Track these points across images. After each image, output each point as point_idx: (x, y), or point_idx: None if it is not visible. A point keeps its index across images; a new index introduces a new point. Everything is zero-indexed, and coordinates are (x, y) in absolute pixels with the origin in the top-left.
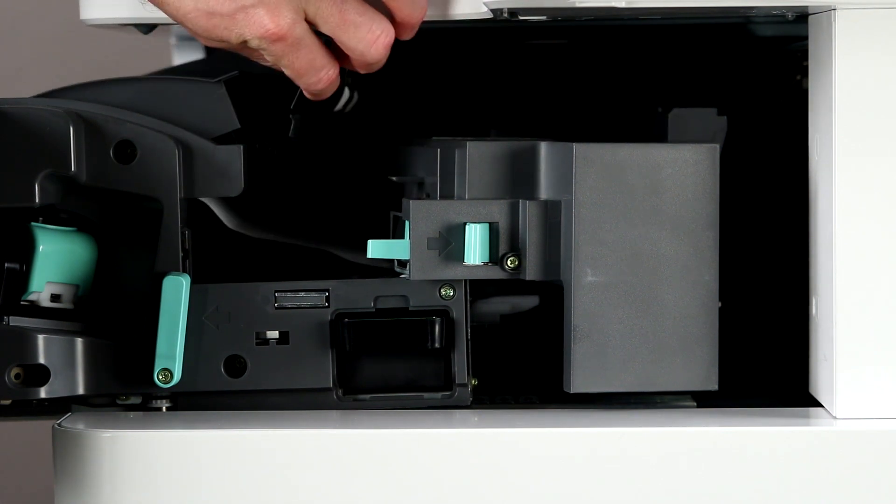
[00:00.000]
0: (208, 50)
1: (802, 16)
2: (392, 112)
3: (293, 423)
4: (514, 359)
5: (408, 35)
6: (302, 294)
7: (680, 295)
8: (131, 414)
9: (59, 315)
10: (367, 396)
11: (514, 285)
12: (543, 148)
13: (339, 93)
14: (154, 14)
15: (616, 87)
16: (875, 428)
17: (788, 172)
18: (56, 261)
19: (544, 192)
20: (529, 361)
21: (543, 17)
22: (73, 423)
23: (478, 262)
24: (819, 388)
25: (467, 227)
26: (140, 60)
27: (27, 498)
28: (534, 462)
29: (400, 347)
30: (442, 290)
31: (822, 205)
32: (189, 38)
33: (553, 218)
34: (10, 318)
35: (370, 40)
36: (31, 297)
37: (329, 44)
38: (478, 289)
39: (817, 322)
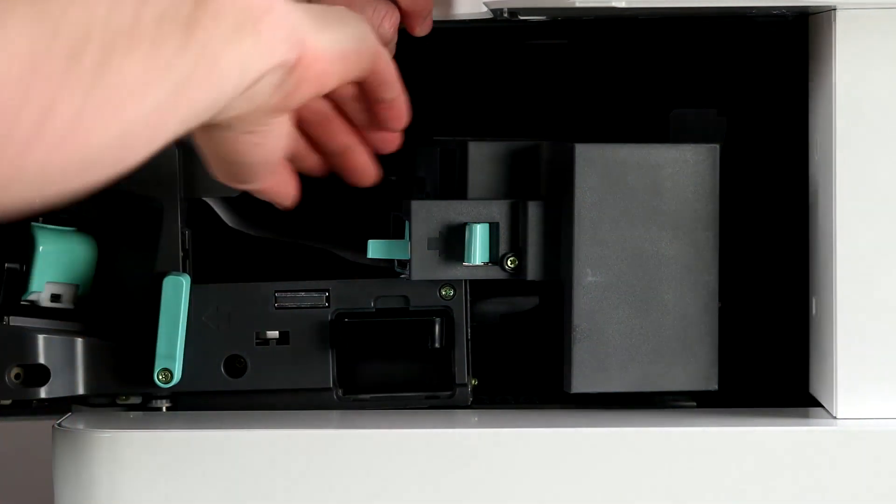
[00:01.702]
0: None
1: (802, 16)
2: None
3: (293, 423)
4: (514, 359)
5: (419, 27)
6: (302, 294)
7: (680, 295)
8: (131, 414)
9: (59, 315)
10: (367, 396)
11: (513, 285)
12: (543, 148)
13: None
14: None
15: (616, 87)
16: (875, 428)
17: (789, 172)
18: (56, 261)
19: (544, 192)
20: (529, 361)
21: (543, 17)
22: (73, 423)
23: (478, 263)
24: (819, 388)
25: (468, 227)
26: None
27: (27, 498)
28: (534, 462)
29: (400, 347)
30: (442, 290)
31: (822, 204)
32: None
33: (553, 218)
34: (10, 318)
35: (375, 22)
36: (31, 297)
37: None
38: (478, 289)
39: (817, 322)
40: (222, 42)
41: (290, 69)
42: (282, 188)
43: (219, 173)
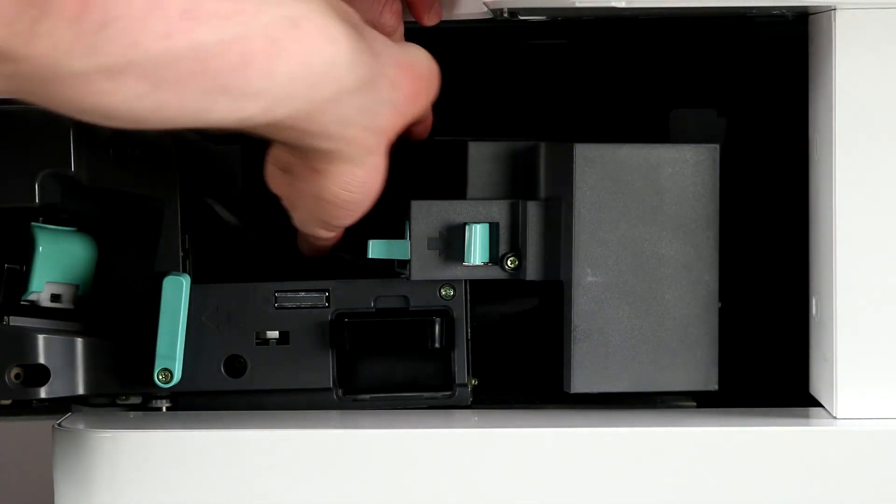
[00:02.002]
0: None
1: (802, 16)
2: None
3: (293, 423)
4: (514, 359)
5: (427, 17)
6: (302, 294)
7: (680, 295)
8: (131, 414)
9: (59, 315)
10: (367, 396)
11: (513, 286)
12: (543, 148)
13: None
14: None
15: (616, 87)
16: (875, 428)
17: (789, 172)
18: (56, 261)
19: (544, 192)
20: (529, 361)
21: (543, 17)
22: (73, 423)
23: (478, 263)
24: (819, 388)
25: (467, 227)
26: None
27: (27, 498)
28: (534, 462)
29: (400, 347)
30: (442, 290)
31: (822, 204)
32: None
33: (553, 218)
34: (10, 318)
35: (376, 11)
36: (31, 297)
37: None
38: (479, 289)
39: (817, 322)
40: (330, 8)
41: (394, 83)
42: (340, 238)
43: (311, 221)
